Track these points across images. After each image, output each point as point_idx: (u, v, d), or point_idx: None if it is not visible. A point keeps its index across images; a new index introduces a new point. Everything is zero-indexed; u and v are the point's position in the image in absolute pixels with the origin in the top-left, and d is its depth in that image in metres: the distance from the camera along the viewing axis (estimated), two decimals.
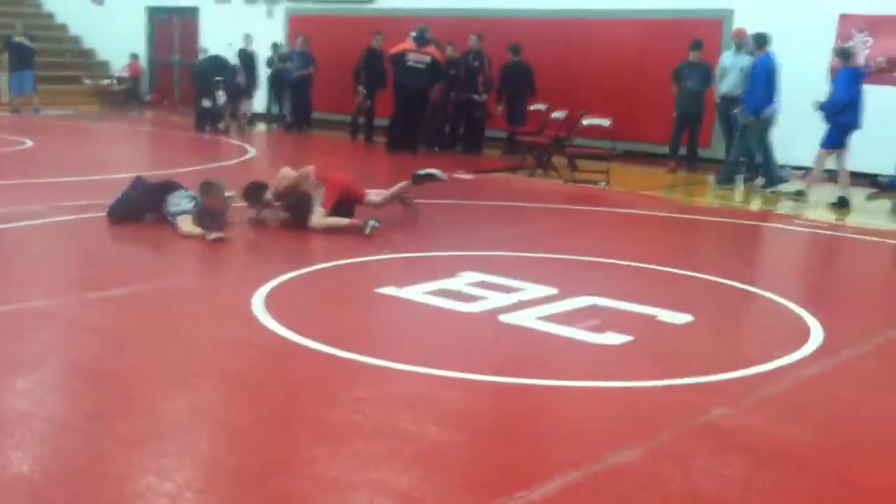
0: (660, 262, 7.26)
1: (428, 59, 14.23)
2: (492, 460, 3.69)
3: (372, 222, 7.66)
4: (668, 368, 4.81)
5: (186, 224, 7.29)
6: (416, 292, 6.03)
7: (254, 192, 8.05)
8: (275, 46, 17.77)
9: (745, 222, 9.78)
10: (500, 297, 5.99)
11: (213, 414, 4.10)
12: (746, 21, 12.83)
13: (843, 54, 10.87)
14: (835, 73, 11.21)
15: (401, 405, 4.16)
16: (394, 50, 14.64)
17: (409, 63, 14.23)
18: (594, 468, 3.58)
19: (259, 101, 18.54)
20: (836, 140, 10.70)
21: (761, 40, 11.69)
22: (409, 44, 14.43)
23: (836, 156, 10.88)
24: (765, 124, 11.75)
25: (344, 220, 7.83)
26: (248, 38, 17.94)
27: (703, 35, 12.95)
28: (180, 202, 7.59)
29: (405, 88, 14.32)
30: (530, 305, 5.81)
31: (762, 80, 11.52)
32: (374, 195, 8.44)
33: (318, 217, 7.73)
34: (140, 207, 7.84)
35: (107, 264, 6.82)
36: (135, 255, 7.00)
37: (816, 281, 7.57)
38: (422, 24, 14.65)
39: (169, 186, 7.88)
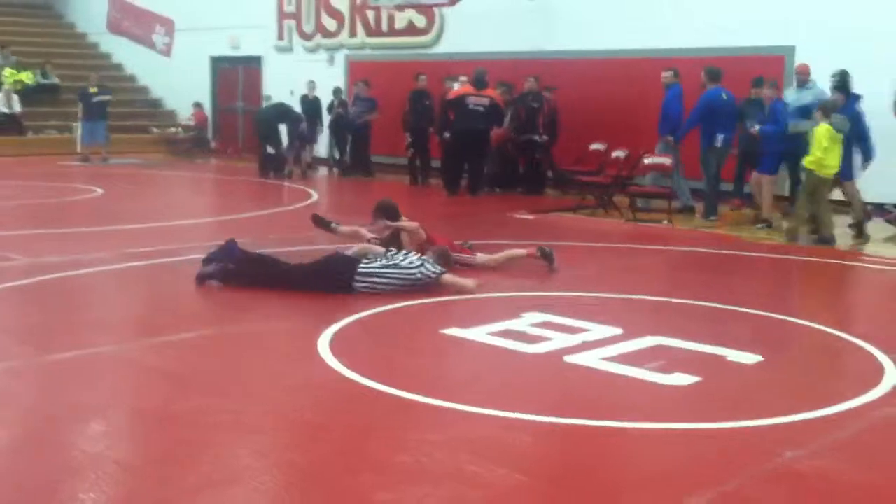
0: (727, 302, 7.15)
1: (487, 101, 14.35)
2: None
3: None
4: (737, 410, 4.72)
5: (451, 277, 7.33)
6: (480, 333, 6.02)
7: (392, 211, 8.23)
8: (336, 92, 18.05)
9: (812, 259, 9.60)
10: (565, 337, 5.96)
11: (278, 457, 4.12)
12: (808, 56, 12.68)
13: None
14: None
15: (468, 448, 4.14)
16: (453, 94, 14.82)
17: (470, 106, 14.36)
18: None
19: (321, 146, 18.80)
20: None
21: (713, 74, 12.30)
22: (467, 88, 14.62)
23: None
24: (718, 153, 12.11)
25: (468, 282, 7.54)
26: (311, 84, 18.24)
27: (765, 72, 12.82)
28: (420, 265, 7.24)
29: (466, 132, 14.44)
30: (595, 346, 5.76)
31: (696, 110, 12.24)
32: (486, 257, 8.43)
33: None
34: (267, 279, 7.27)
35: (174, 309, 6.93)
36: (201, 300, 7.10)
37: (889, 319, 7.38)
38: (479, 67, 14.79)
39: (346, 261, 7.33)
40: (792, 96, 12.24)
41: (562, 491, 3.78)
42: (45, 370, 5.23)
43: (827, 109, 10.50)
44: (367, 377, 5.03)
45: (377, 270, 7.14)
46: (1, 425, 4.37)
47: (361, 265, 7.16)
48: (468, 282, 7.37)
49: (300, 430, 4.43)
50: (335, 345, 5.67)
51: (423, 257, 7.42)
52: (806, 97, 11.83)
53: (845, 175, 10.99)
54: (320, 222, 8.93)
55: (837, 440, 4.34)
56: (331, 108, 18.03)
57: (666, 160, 12.21)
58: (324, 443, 4.23)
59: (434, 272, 7.26)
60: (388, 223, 8.11)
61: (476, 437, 4.28)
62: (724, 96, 12.29)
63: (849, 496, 3.77)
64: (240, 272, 7.25)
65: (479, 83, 14.49)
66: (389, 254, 7.41)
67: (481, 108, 14.33)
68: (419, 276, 7.19)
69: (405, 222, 8.14)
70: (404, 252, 7.49)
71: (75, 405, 4.67)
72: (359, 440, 4.25)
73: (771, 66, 13.28)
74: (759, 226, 11.38)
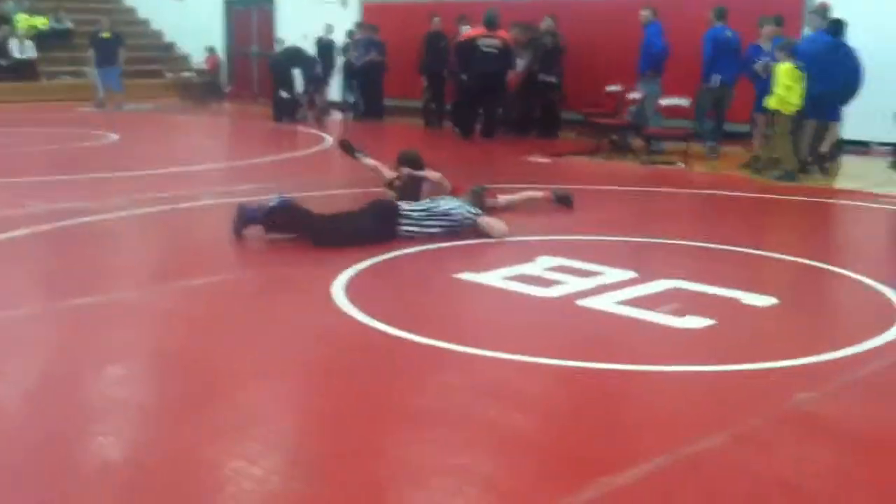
0: (742, 244, 7.13)
1: (499, 42, 14.15)
2: (575, 447, 3.68)
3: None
4: (752, 352, 4.73)
5: (487, 219, 7.29)
6: (494, 278, 6.04)
7: (416, 162, 8.12)
8: (349, 33, 17.91)
9: (828, 201, 9.55)
10: (579, 281, 5.96)
11: (296, 401, 4.18)
12: None
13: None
14: None
15: (483, 391, 4.18)
16: (464, 36, 14.62)
17: (483, 48, 14.18)
18: (679, 455, 3.54)
19: (335, 90, 18.70)
20: None
21: (719, 13, 12.32)
22: (479, 30, 14.37)
23: None
24: (714, 93, 12.20)
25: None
26: (328, 27, 18.06)
27: (782, 11, 12.59)
28: (459, 207, 7.25)
29: (479, 75, 14.26)
30: (610, 290, 5.77)
31: (706, 52, 12.19)
32: (504, 200, 8.43)
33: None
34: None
35: (192, 255, 6.97)
36: (218, 246, 7.14)
37: None
38: (490, 8, 14.57)
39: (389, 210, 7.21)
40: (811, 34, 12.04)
41: (573, 433, 3.82)
42: (64, 316, 5.29)
43: (788, 47, 10.70)
44: (381, 321, 5.06)
45: (421, 216, 7.11)
46: (21, 371, 4.44)
47: (404, 212, 7.11)
48: (502, 225, 7.34)
49: (315, 375, 4.48)
50: (350, 289, 5.70)
51: (461, 200, 7.41)
52: (823, 37, 11.62)
53: (832, 115, 10.97)
54: (347, 148, 8.97)
55: (851, 381, 4.36)
56: (345, 50, 17.91)
57: (685, 101, 12.09)
58: (341, 387, 4.28)
59: (473, 214, 7.26)
60: (413, 173, 8.03)
61: (491, 380, 4.32)
62: (729, 34, 12.28)
63: (860, 436, 3.79)
64: (283, 223, 6.98)
65: (490, 24, 14.22)
66: (427, 200, 7.35)
67: (494, 51, 14.11)
68: (459, 219, 7.20)
69: (430, 172, 8.06)
70: (438, 198, 7.42)
71: (95, 350, 4.73)
72: (374, 384, 4.29)
73: (786, 4, 13.06)
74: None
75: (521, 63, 14.51)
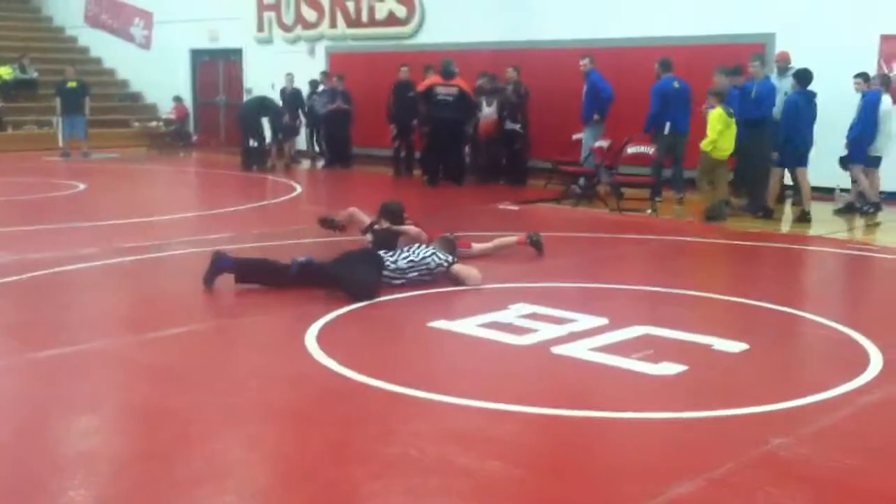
0: (712, 290, 7.20)
1: (455, 90, 14.47)
2: (550, 495, 3.67)
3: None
4: (724, 398, 4.76)
5: (460, 267, 7.29)
6: (468, 325, 6.04)
7: (397, 215, 8.11)
8: (312, 84, 18.02)
9: (797, 247, 9.67)
10: (552, 328, 5.98)
11: (269, 451, 4.14)
12: (788, 44, 12.75)
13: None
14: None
15: (457, 439, 4.16)
16: (422, 86, 14.99)
17: (439, 97, 14.53)
18: (655, 502, 3.54)
19: (303, 139, 18.77)
20: None
21: (665, 65, 12.84)
22: (435, 78, 14.76)
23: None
24: (667, 141, 12.55)
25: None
26: (289, 77, 18.13)
27: (746, 60, 12.84)
28: (433, 255, 7.25)
29: (437, 122, 14.63)
30: (582, 337, 5.79)
31: (653, 100, 12.65)
32: (478, 248, 8.47)
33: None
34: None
35: (161, 305, 6.91)
36: (188, 296, 7.09)
37: (872, 305, 7.45)
38: (445, 58, 14.96)
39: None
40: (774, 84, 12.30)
41: (550, 481, 3.81)
42: (32, 368, 5.22)
43: (720, 95, 11.29)
44: (354, 370, 5.04)
45: (404, 267, 7.10)
46: None
47: (388, 262, 7.07)
48: (475, 273, 7.33)
49: (289, 423, 4.45)
50: (322, 338, 5.68)
51: (433, 248, 7.42)
52: (786, 84, 11.89)
53: (801, 161, 11.31)
54: (328, 224, 9.00)
55: (823, 427, 4.39)
56: (309, 97, 18.00)
57: (650, 149, 12.25)
58: (313, 435, 4.25)
59: (446, 261, 7.28)
60: (391, 228, 8.00)
61: (464, 429, 4.31)
62: (676, 85, 12.74)
63: (834, 482, 3.82)
64: (309, 280, 6.88)
65: (446, 73, 14.63)
66: (403, 249, 7.32)
67: (450, 98, 14.47)
68: (433, 266, 7.22)
69: (409, 228, 8.01)
70: (409, 247, 7.40)
71: (64, 402, 4.67)
72: (347, 432, 4.26)
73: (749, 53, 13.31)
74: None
75: (489, 111, 14.70)
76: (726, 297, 7.03)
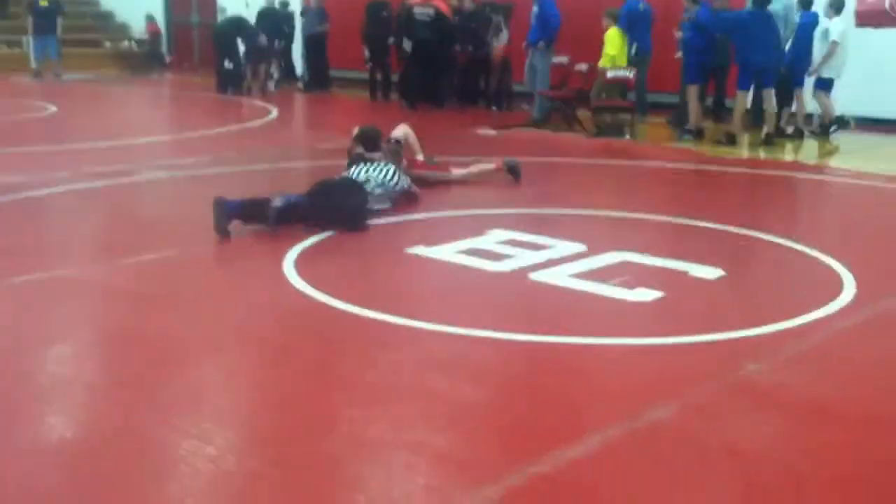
0: (689, 216, 7.21)
1: (431, 10, 14.28)
2: (528, 419, 3.71)
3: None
4: (700, 324, 4.80)
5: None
6: (445, 252, 6.03)
7: (375, 140, 7.87)
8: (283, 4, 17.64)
9: (772, 173, 9.69)
10: (530, 254, 5.99)
11: (248, 377, 4.14)
12: None
13: None
14: None
15: (435, 365, 4.18)
16: (404, 4, 14.72)
17: (416, 17, 14.38)
18: (630, 426, 3.59)
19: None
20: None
21: None
22: None
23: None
24: (633, 62, 12.61)
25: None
26: None
27: None
28: (395, 177, 7.22)
29: (416, 42, 14.46)
30: (560, 263, 5.80)
31: (621, 24, 12.60)
32: (459, 172, 8.47)
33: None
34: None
35: (135, 230, 6.85)
36: (163, 221, 7.03)
37: (847, 231, 7.49)
38: None
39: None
40: (779, 4, 12.06)
41: (526, 406, 3.84)
42: (7, 294, 5.17)
43: (613, 14, 12.29)
44: (333, 296, 5.03)
45: (378, 193, 7.05)
46: None
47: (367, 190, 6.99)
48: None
49: (268, 350, 4.44)
50: (300, 264, 5.66)
51: (392, 165, 7.35)
52: (776, 4, 11.71)
53: (797, 82, 11.25)
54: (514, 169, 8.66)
55: (798, 353, 4.44)
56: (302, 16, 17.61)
57: (629, 73, 12.15)
58: (292, 363, 4.25)
59: (409, 185, 7.40)
60: (366, 155, 7.82)
61: (442, 355, 4.32)
62: (641, 7, 12.83)
63: (807, 407, 3.87)
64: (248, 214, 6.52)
65: None
66: (372, 168, 7.19)
67: (426, 18, 14.29)
68: (401, 190, 7.30)
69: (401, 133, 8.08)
70: (377, 166, 7.26)
71: (40, 328, 4.64)
72: (326, 359, 4.27)
73: None
74: (686, 136, 11.58)
75: (504, 35, 14.42)
76: (703, 224, 7.04)
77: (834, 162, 10.32)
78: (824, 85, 11.73)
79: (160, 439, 3.44)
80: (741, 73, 11.17)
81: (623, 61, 12.32)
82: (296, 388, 3.96)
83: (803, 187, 9.34)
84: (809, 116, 11.96)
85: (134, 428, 3.53)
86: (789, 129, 11.94)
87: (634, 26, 12.66)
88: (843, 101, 12.21)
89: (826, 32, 11.48)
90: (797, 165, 10.18)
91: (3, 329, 4.66)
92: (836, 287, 5.41)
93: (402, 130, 8.15)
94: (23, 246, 6.20)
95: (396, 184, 7.21)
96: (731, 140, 11.19)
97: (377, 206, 6.99)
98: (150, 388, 3.90)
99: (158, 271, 5.66)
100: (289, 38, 17.92)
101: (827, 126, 11.75)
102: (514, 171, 8.53)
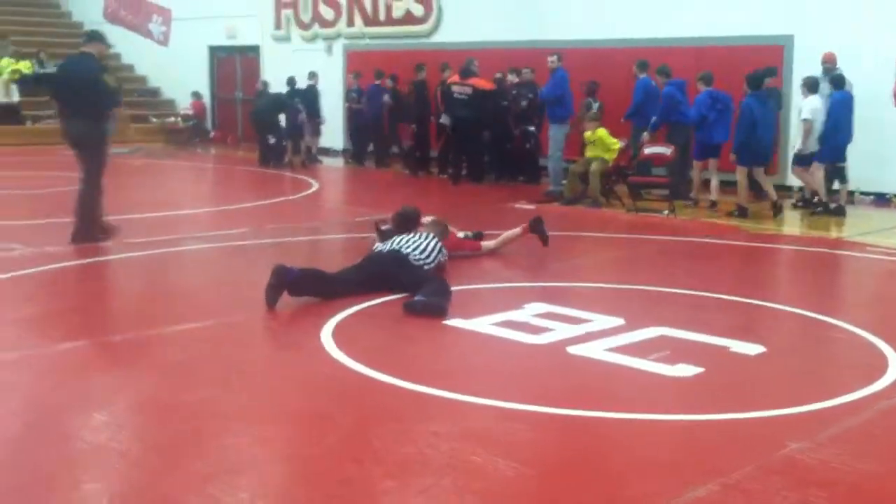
0: (729, 292, 7.15)
1: (469, 90, 14.61)
2: (563, 496, 3.65)
3: None
4: (741, 401, 4.73)
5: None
6: (483, 324, 6.02)
7: (413, 220, 7.93)
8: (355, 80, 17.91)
9: (814, 250, 9.60)
10: (568, 328, 5.96)
11: (283, 448, 4.13)
12: (806, 47, 12.71)
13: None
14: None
15: (471, 439, 4.14)
16: (444, 83, 15.15)
17: (455, 95, 14.72)
18: None
19: (337, 137, 18.80)
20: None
21: (642, 65, 13.28)
22: (454, 77, 14.94)
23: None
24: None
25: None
26: (312, 74, 17.98)
27: (763, 62, 12.75)
28: (436, 249, 7.27)
29: (453, 120, 14.77)
30: (598, 337, 5.76)
31: (637, 97, 13.13)
32: (488, 244, 8.58)
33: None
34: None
35: (179, 300, 6.92)
36: (205, 291, 7.10)
37: (892, 309, 7.38)
38: (468, 58, 15.11)
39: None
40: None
41: (564, 482, 3.78)
42: (47, 361, 5.23)
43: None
44: (370, 367, 5.03)
45: (423, 263, 7.09)
46: (5, 415, 4.37)
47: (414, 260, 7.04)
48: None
49: (304, 420, 4.44)
50: (338, 335, 5.67)
51: (434, 241, 7.36)
52: (826, 87, 11.77)
53: (756, 161, 11.55)
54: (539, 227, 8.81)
55: (841, 431, 4.35)
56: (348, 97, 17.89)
57: (667, 150, 12.18)
58: (328, 433, 4.24)
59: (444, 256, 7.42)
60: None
61: (479, 428, 4.29)
62: (654, 84, 13.16)
63: (852, 487, 3.78)
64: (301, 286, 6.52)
65: (463, 72, 14.79)
66: (415, 239, 7.25)
67: (464, 97, 14.60)
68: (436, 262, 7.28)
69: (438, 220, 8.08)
70: (416, 239, 7.30)
71: (79, 396, 4.68)
72: (362, 431, 4.25)
73: (770, 55, 13.25)
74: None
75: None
76: (743, 300, 6.98)
77: (876, 239, 10.19)
78: (803, 162, 11.95)
79: None
80: (742, 152, 11.47)
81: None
82: (330, 459, 3.94)
83: (846, 264, 9.23)
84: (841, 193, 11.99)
85: (171, 498, 3.52)
86: (832, 205, 11.90)
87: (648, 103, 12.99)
88: (884, 179, 12.18)
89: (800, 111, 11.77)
90: (839, 242, 10.08)
91: (42, 396, 4.70)
92: (881, 365, 5.31)
93: (432, 218, 8.14)
94: (64, 314, 6.28)
95: (437, 256, 7.23)
96: (743, 213, 11.41)
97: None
98: (185, 458, 3.90)
99: (198, 340, 5.70)
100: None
101: (821, 202, 11.82)
102: (538, 231, 8.58)
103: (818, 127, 11.61)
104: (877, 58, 12.22)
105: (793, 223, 11.38)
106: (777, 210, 11.47)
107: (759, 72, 11.54)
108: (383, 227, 8.09)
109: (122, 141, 19.83)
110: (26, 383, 4.92)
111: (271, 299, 6.27)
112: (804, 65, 12.58)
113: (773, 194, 11.53)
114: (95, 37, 9.19)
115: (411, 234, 7.35)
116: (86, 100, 8.64)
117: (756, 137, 11.29)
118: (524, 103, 14.63)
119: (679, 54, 13.68)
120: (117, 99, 9.41)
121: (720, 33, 13.87)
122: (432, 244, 7.28)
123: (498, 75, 15.19)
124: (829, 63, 12.02)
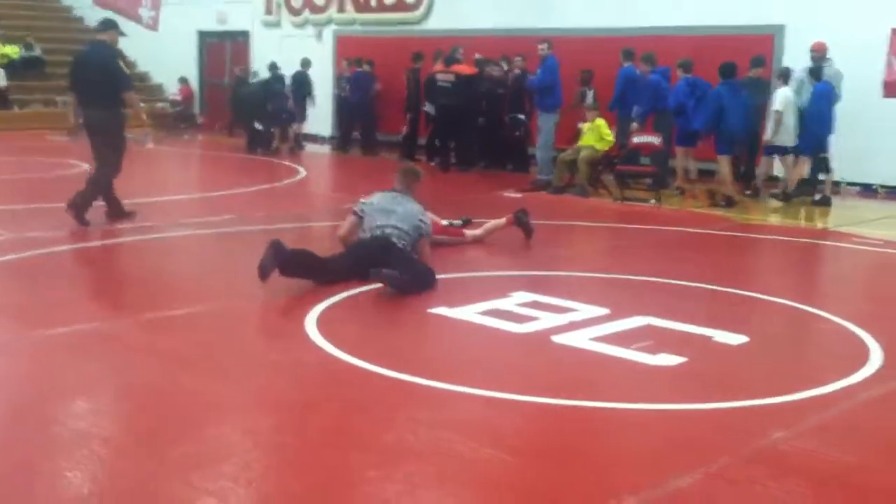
0: (713, 282, 7.17)
1: (452, 77, 14.66)
2: (546, 484, 3.66)
3: None
4: (723, 391, 4.75)
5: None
6: (468, 313, 6.03)
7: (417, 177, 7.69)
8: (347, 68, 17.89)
9: (800, 240, 9.64)
10: (553, 317, 5.97)
11: (266, 436, 4.13)
12: (797, 36, 12.73)
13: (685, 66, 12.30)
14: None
15: (454, 427, 4.15)
16: (430, 72, 15.29)
17: (438, 83, 14.81)
18: (652, 494, 3.53)
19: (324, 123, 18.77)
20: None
21: (627, 53, 13.34)
22: (439, 66, 15.04)
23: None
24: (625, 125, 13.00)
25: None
26: (305, 61, 17.94)
27: (754, 51, 12.78)
28: (422, 222, 7.15)
29: (438, 107, 14.92)
30: (583, 326, 5.78)
31: (619, 84, 13.31)
32: (472, 233, 8.55)
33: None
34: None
35: (161, 286, 6.91)
36: (189, 277, 7.08)
37: (875, 300, 7.41)
38: (454, 45, 15.19)
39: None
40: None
41: (546, 470, 3.80)
42: (30, 347, 5.21)
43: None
44: (354, 356, 5.03)
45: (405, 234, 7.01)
46: None
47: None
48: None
49: (287, 408, 4.44)
50: (322, 323, 5.67)
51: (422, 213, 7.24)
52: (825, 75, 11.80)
53: (726, 150, 11.70)
54: (524, 221, 8.75)
55: (823, 421, 4.37)
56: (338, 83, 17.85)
57: (656, 139, 12.19)
58: (311, 421, 4.24)
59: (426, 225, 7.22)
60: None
61: (462, 417, 4.30)
62: (639, 72, 13.19)
63: (833, 476, 3.80)
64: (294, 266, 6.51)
65: (447, 60, 14.89)
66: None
67: (447, 85, 14.66)
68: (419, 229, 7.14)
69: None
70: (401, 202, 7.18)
71: (61, 382, 4.66)
72: (346, 419, 4.25)
73: (760, 45, 13.27)
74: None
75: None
76: (727, 289, 7.00)
77: (861, 230, 10.24)
78: (774, 152, 12.12)
79: (178, 496, 3.43)
80: (716, 139, 11.65)
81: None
82: (313, 447, 3.94)
83: (830, 254, 9.28)
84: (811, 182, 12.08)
85: (153, 485, 3.52)
86: (817, 196, 11.94)
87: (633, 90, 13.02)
88: (871, 170, 12.24)
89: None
90: (825, 233, 10.13)
91: (25, 382, 4.69)
92: (863, 356, 5.34)
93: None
94: (47, 300, 6.26)
95: (415, 225, 7.07)
96: (730, 202, 11.48)
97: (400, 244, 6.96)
98: (167, 446, 3.89)
99: (181, 329, 5.69)
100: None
101: (793, 192, 11.92)
102: (523, 223, 8.57)
103: (791, 119, 11.64)
104: (866, 48, 12.25)
105: (780, 214, 11.41)
106: (754, 193, 11.75)
107: (731, 63, 11.61)
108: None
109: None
110: (8, 369, 4.90)
111: (266, 270, 6.27)
112: (795, 55, 12.59)
113: (728, 187, 11.57)
114: (109, 25, 9.35)
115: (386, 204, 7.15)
116: (104, 87, 8.65)
117: (726, 125, 11.39)
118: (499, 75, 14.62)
119: (671, 43, 13.68)
120: (131, 83, 9.39)
121: (713, 22, 13.89)
122: (409, 207, 7.11)
123: (478, 56, 15.16)
124: (818, 52, 12.03)
